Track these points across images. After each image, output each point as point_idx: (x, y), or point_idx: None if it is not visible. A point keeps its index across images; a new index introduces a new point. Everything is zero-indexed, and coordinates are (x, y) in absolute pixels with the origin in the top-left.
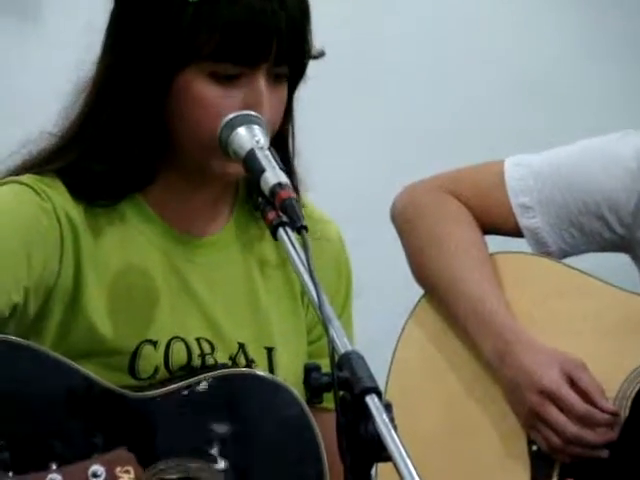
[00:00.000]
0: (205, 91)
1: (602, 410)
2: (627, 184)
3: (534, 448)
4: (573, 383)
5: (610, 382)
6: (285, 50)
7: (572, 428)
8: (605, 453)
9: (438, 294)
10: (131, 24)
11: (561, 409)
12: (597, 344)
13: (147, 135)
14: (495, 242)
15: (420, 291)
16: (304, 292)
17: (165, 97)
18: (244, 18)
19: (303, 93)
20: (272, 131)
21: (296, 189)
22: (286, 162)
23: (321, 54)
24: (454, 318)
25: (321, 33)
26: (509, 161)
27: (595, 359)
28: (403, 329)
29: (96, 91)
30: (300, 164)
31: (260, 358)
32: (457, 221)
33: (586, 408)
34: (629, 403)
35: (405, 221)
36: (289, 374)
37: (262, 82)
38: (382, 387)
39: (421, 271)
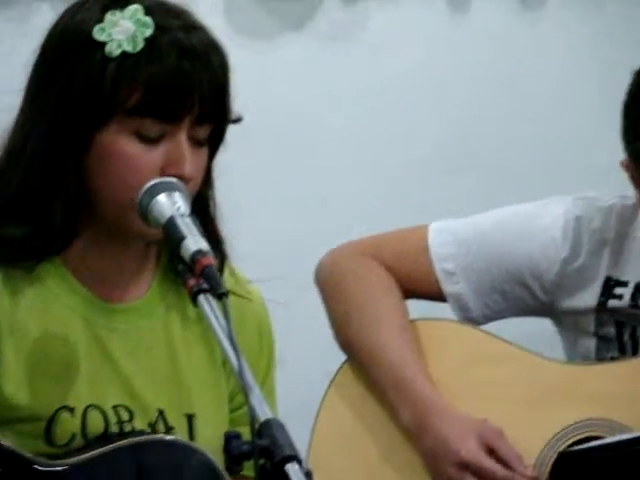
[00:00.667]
0: (126, 148)
1: (522, 477)
2: (550, 252)
3: None
4: (492, 451)
5: (529, 449)
6: (207, 108)
7: None
8: None
9: (360, 361)
10: (52, 79)
11: (481, 478)
12: (516, 411)
13: (67, 195)
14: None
15: (343, 356)
16: (225, 359)
17: (86, 155)
18: (166, 74)
19: (227, 157)
20: (192, 194)
21: (219, 254)
22: (207, 228)
23: (239, 119)
24: (375, 385)
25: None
26: (433, 227)
27: (514, 426)
28: (324, 396)
29: (13, 148)
30: (222, 229)
31: (180, 425)
32: (380, 287)
33: (506, 475)
34: (548, 469)
35: (329, 286)
36: (209, 441)
37: (184, 140)
38: (303, 455)
39: (344, 337)
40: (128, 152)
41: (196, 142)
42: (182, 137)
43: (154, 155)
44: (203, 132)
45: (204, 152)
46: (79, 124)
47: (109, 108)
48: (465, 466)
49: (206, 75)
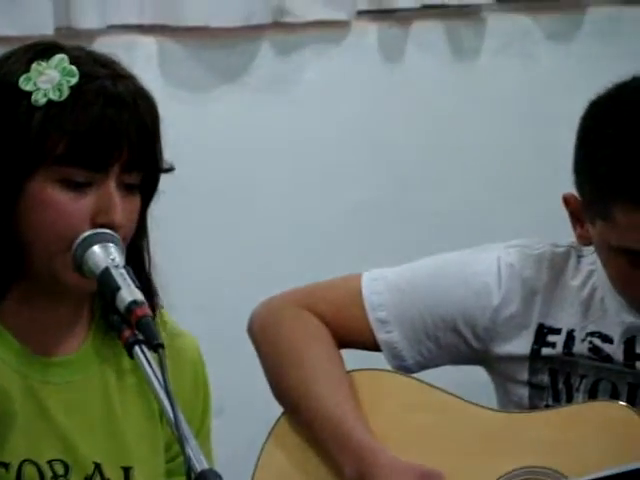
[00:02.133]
0: (55, 197)
1: None
2: (482, 299)
3: None
4: None
5: None
6: (135, 157)
7: None
8: None
9: (297, 413)
10: None
11: None
12: (453, 460)
13: None
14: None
15: (280, 408)
16: (162, 410)
17: (15, 206)
18: (92, 122)
19: (162, 208)
20: (126, 240)
21: (153, 306)
22: (142, 279)
23: (171, 168)
24: (314, 438)
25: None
26: (366, 275)
27: (452, 475)
28: (262, 449)
29: None
30: (157, 279)
31: (117, 478)
32: (314, 338)
33: None
34: None
35: (263, 338)
36: None
37: (113, 187)
38: None
39: (279, 389)
40: (57, 200)
41: (126, 188)
42: (111, 185)
43: (83, 203)
44: (133, 179)
45: (135, 199)
46: (7, 174)
47: (36, 157)
48: None
49: (133, 122)
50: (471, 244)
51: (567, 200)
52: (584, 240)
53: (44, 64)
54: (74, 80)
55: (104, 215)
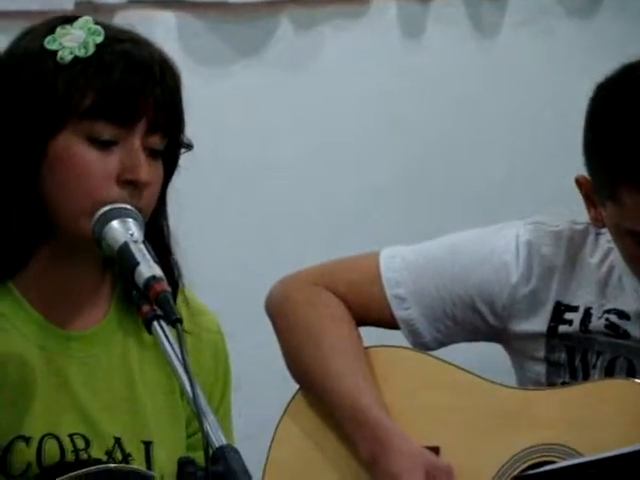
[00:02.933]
0: (81, 154)
1: None
2: (501, 277)
3: None
4: None
5: (483, 474)
6: (160, 117)
7: None
8: None
9: (314, 390)
10: (5, 93)
11: None
12: (469, 437)
13: (23, 209)
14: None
15: (296, 385)
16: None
17: (40, 165)
18: (119, 77)
19: (180, 184)
20: (149, 207)
21: (174, 282)
22: (162, 255)
23: (190, 145)
24: (330, 415)
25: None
26: (384, 253)
27: (467, 452)
28: (278, 425)
29: None
30: (177, 256)
31: (137, 452)
32: (332, 316)
33: None
34: None
35: (280, 316)
36: (167, 467)
37: (138, 145)
38: None
39: (297, 367)
40: (83, 157)
41: (150, 154)
42: (136, 142)
43: (109, 161)
44: (157, 143)
45: (159, 166)
46: (33, 132)
47: (62, 113)
48: None
49: (158, 81)
50: (490, 223)
51: (579, 182)
52: (597, 222)
53: (68, 27)
54: (100, 38)
55: (130, 172)
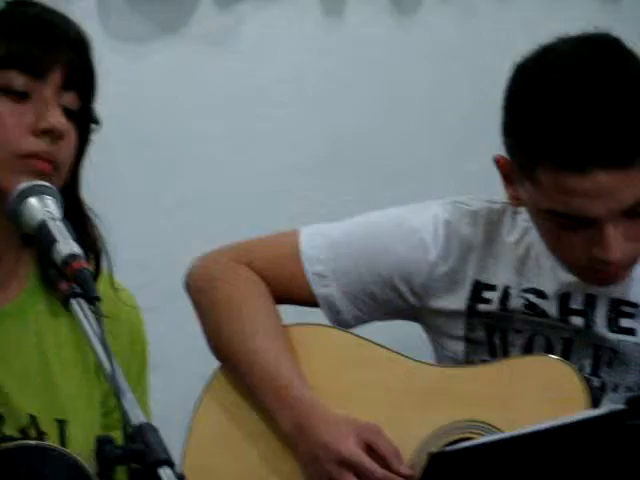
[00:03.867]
0: None
1: (398, 474)
2: (419, 256)
3: None
4: (371, 449)
5: (403, 451)
6: (74, 76)
7: None
8: None
9: (235, 367)
10: None
11: (360, 477)
12: (390, 413)
13: None
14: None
15: (217, 362)
16: (98, 363)
17: None
18: (30, 26)
19: (98, 160)
20: (65, 164)
21: (97, 260)
22: (81, 232)
23: (98, 121)
24: (251, 392)
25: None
26: (305, 231)
27: (389, 428)
28: (199, 401)
29: None
30: (95, 232)
31: (52, 431)
32: (252, 293)
33: (383, 473)
34: (420, 470)
35: (200, 293)
36: (82, 446)
37: (51, 96)
38: (177, 460)
39: (217, 344)
40: None
41: (65, 113)
42: (49, 93)
43: (24, 112)
44: (71, 101)
45: (72, 129)
46: None
47: None
48: (344, 464)
49: (70, 38)
50: (411, 200)
51: (498, 162)
52: (516, 201)
53: None
54: None
55: (44, 120)
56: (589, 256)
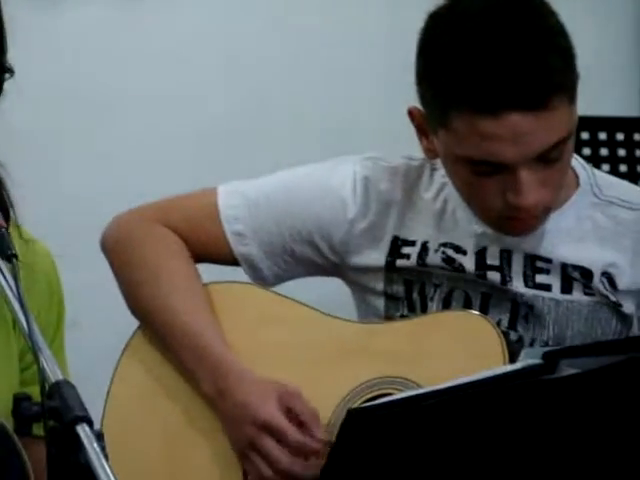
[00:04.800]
0: None
1: (314, 439)
2: (338, 212)
3: None
4: (290, 412)
5: (324, 407)
6: None
7: (284, 459)
8: None
9: (154, 327)
10: None
11: (278, 440)
12: (311, 371)
13: None
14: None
15: (136, 321)
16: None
17: None
18: None
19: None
20: None
21: (7, 218)
22: None
23: (11, 70)
24: (171, 352)
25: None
26: (222, 189)
27: (309, 386)
28: (119, 361)
29: None
30: (10, 188)
31: None
32: (169, 252)
33: (298, 439)
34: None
35: (117, 253)
36: (1, 404)
37: None
38: (97, 418)
39: (136, 304)
40: None
41: None
42: None
43: None
44: None
45: None
46: None
47: None
48: (263, 426)
49: None
50: (328, 156)
51: (412, 113)
52: (430, 153)
53: None
54: None
55: None
56: (503, 203)
